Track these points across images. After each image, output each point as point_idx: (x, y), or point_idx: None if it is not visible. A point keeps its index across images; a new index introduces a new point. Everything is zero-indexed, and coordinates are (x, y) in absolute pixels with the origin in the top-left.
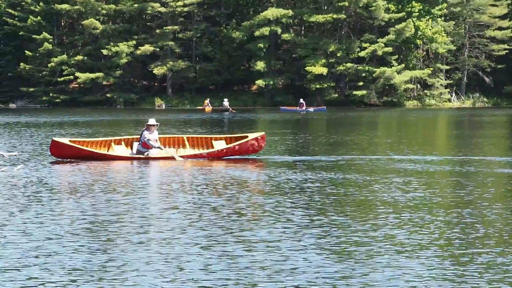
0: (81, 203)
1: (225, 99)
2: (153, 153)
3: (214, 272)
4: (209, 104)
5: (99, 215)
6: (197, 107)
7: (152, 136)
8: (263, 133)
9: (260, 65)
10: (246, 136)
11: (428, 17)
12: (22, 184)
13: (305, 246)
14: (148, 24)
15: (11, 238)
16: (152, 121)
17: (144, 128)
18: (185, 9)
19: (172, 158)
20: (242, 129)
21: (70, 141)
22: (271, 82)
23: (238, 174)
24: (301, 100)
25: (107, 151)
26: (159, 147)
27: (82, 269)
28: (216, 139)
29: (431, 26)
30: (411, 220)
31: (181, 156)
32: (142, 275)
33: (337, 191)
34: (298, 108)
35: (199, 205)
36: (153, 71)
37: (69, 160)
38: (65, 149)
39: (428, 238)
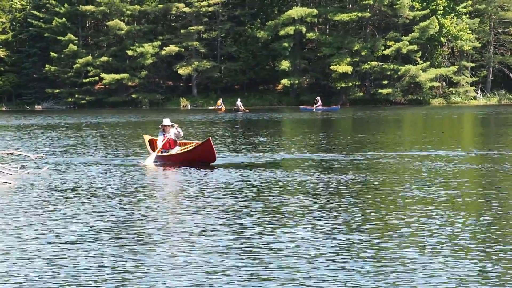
0: (101, 206)
1: (238, 99)
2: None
3: (243, 277)
4: (222, 104)
5: (116, 219)
6: (209, 107)
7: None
8: (207, 139)
9: (285, 64)
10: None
11: (452, 14)
12: (47, 186)
13: (331, 247)
14: (173, 24)
15: (34, 239)
16: (166, 121)
17: (160, 130)
18: (210, 9)
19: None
20: (245, 129)
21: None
22: (296, 81)
23: (264, 176)
24: (317, 98)
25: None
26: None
27: (100, 274)
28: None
29: (456, 24)
30: (445, 219)
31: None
32: (172, 280)
33: (366, 190)
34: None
35: (218, 209)
36: (178, 72)
37: (97, 162)
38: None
39: (460, 238)
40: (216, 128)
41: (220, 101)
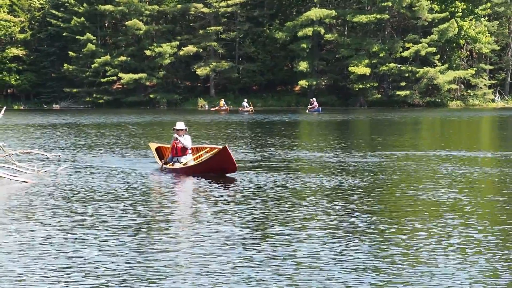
0: (117, 207)
1: (245, 100)
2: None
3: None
4: (225, 105)
5: (132, 221)
6: (211, 108)
7: (184, 141)
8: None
9: (303, 65)
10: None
11: (471, 17)
12: (64, 185)
13: (352, 252)
14: (191, 24)
15: (49, 238)
16: (179, 125)
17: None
18: (228, 9)
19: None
20: (245, 133)
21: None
22: (314, 83)
23: (277, 179)
24: (313, 99)
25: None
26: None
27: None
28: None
29: (475, 26)
30: (466, 223)
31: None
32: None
33: (389, 193)
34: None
35: (227, 214)
36: (196, 72)
37: (106, 165)
38: None
39: (476, 242)
40: (218, 130)
41: (222, 101)
